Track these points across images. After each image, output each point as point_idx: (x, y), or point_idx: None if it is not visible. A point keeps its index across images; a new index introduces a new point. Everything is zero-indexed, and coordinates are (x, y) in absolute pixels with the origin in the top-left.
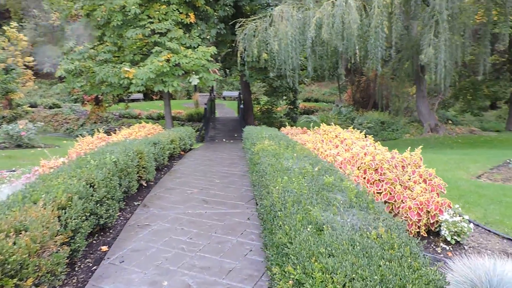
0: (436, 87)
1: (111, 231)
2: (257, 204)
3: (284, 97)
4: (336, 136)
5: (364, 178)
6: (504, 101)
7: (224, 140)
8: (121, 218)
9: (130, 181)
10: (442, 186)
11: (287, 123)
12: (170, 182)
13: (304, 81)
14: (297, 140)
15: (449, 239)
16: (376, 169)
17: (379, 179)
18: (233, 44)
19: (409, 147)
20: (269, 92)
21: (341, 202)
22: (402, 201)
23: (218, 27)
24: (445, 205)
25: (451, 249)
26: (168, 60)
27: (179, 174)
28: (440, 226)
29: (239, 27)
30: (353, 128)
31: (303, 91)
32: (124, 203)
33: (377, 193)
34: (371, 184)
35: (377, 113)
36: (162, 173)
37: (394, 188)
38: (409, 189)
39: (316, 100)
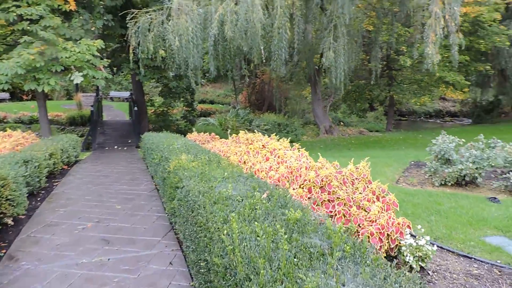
0: (327, 90)
1: None
2: (181, 243)
3: (182, 99)
4: (263, 146)
5: (309, 198)
6: (379, 103)
7: (116, 147)
8: None
9: None
10: (397, 203)
11: (184, 126)
12: (52, 213)
13: (200, 82)
14: (214, 151)
15: (414, 265)
16: (323, 187)
17: (328, 199)
18: (123, 39)
19: (352, 159)
20: (165, 93)
21: (328, 252)
22: (359, 225)
23: (105, 18)
24: (404, 226)
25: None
26: (42, 53)
27: (63, 200)
28: (399, 250)
29: (130, 19)
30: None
31: (197, 93)
32: None
33: (329, 216)
34: (318, 205)
35: (273, 115)
36: (39, 200)
37: (349, 209)
38: (363, 209)
39: (212, 102)
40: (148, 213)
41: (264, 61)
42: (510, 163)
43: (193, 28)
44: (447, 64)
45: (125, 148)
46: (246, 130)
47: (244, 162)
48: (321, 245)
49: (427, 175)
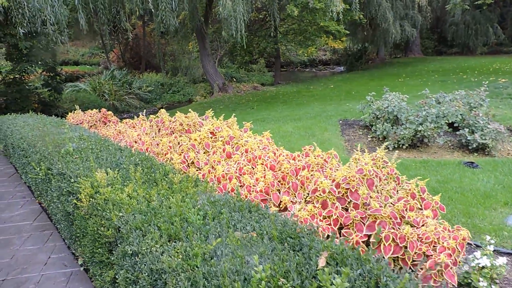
0: (212, 44)
1: None
2: None
3: (39, 62)
4: (212, 133)
5: (326, 218)
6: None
7: None
8: None
9: None
10: (443, 206)
11: (48, 96)
12: None
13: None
14: (128, 145)
15: None
16: (342, 197)
17: (360, 218)
18: None
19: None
20: (14, 56)
21: None
22: (416, 252)
23: None
24: (466, 240)
25: None
26: None
27: None
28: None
29: None
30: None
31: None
32: None
33: (364, 243)
34: (343, 228)
35: (154, 74)
36: None
37: (401, 230)
38: (409, 224)
39: (76, 63)
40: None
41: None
42: (461, 119)
43: None
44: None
45: None
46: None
47: (193, 164)
48: None
49: (370, 137)
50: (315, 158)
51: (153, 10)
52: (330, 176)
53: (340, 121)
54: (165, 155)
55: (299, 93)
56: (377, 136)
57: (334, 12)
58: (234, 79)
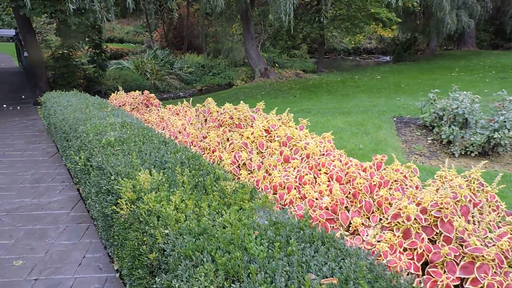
0: (256, 27)
1: None
2: None
3: (87, 39)
4: (267, 131)
5: (407, 250)
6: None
7: (5, 106)
8: None
9: None
10: None
11: (93, 73)
12: None
13: (108, 18)
14: (171, 135)
15: None
16: (430, 227)
17: (454, 257)
18: None
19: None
20: (64, 32)
21: None
22: None
23: None
24: None
25: None
26: None
27: None
28: None
29: None
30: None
31: (103, 31)
32: None
33: None
34: (428, 264)
35: (196, 55)
36: None
37: (510, 279)
38: None
39: (121, 41)
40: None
41: None
42: None
43: None
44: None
45: (18, 107)
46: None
47: (244, 166)
48: None
49: (430, 139)
50: (393, 173)
51: None
52: (412, 198)
53: (394, 118)
54: (213, 152)
55: (343, 83)
56: (440, 139)
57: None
58: (276, 65)
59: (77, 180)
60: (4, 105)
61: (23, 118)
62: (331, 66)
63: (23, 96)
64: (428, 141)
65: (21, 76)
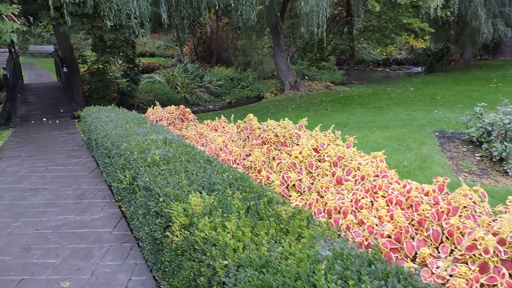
0: (286, 40)
1: None
2: None
3: (121, 54)
4: (315, 150)
5: (484, 286)
6: (330, 53)
7: (44, 120)
8: None
9: None
10: None
11: (126, 87)
12: None
13: (142, 33)
14: (212, 152)
15: None
16: (511, 260)
17: None
18: None
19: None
20: (100, 48)
21: None
22: None
23: None
24: None
25: None
26: None
27: None
28: None
29: None
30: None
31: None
32: None
33: None
34: None
35: (224, 68)
36: None
37: None
38: None
39: (152, 55)
40: None
41: (232, 5)
42: None
43: None
44: (410, 9)
45: (57, 121)
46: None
47: (294, 187)
48: None
49: (478, 155)
50: (462, 198)
51: (233, 4)
52: (487, 227)
53: (436, 133)
54: (259, 173)
55: (375, 95)
56: (490, 156)
57: (431, 8)
58: (306, 77)
59: (120, 198)
60: (44, 119)
61: (62, 131)
62: (361, 77)
63: (61, 110)
64: (476, 157)
65: (59, 90)
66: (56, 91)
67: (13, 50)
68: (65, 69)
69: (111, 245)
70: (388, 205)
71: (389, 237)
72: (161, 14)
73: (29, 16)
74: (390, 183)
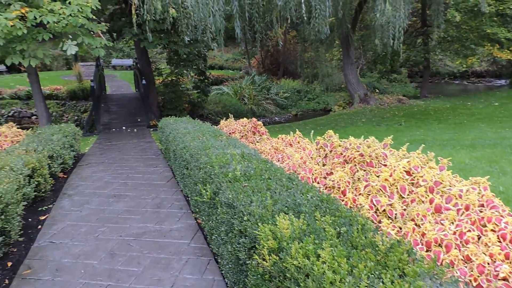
0: (356, 52)
1: None
2: None
3: (194, 67)
4: (408, 172)
5: None
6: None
7: (124, 128)
8: None
9: None
10: None
11: (196, 97)
12: None
13: (214, 47)
14: (290, 169)
15: None
16: None
17: None
18: None
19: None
20: (174, 61)
21: None
22: None
23: None
24: None
25: None
26: (23, 18)
27: (46, 274)
28: None
29: None
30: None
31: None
32: None
33: None
34: None
35: (291, 81)
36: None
37: None
38: None
39: (221, 68)
40: None
41: (305, 19)
42: None
43: None
44: (495, 18)
45: (135, 130)
46: (263, 101)
47: (384, 212)
48: None
49: None
50: None
51: (305, 17)
52: None
53: None
54: (343, 194)
55: (454, 110)
56: None
57: None
58: (377, 90)
59: (197, 210)
60: (124, 127)
61: (140, 140)
62: (435, 91)
63: (138, 119)
64: None
65: (137, 100)
66: (135, 102)
67: (99, 63)
68: (144, 81)
69: (189, 258)
70: (499, 242)
71: (505, 280)
72: (234, 28)
73: (113, 33)
74: (502, 216)
